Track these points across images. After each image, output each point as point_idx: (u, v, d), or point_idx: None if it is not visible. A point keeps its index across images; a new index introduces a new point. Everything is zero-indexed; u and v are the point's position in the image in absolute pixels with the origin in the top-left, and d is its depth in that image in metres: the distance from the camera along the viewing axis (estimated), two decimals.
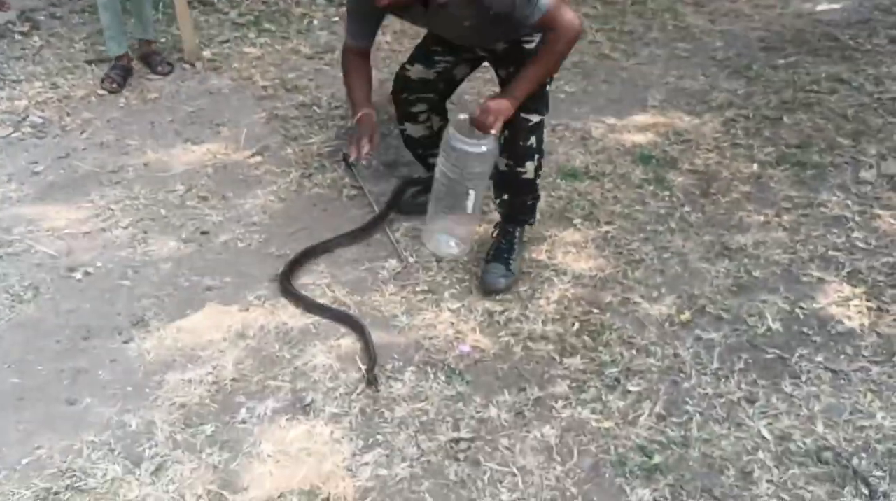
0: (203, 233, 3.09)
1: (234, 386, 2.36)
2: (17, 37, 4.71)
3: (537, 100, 2.65)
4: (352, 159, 2.88)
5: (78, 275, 2.83)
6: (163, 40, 4.70)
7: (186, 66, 4.46)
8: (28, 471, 2.09)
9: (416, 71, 2.92)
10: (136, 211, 3.22)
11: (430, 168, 3.05)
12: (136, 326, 2.60)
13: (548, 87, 2.71)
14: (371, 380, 2.34)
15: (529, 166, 2.70)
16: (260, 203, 3.28)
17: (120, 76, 4.21)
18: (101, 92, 4.13)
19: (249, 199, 3.31)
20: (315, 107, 4.06)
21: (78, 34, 4.77)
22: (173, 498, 2.01)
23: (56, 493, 2.02)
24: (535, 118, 2.64)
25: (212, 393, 2.34)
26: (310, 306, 2.67)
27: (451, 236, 2.79)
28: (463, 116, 2.56)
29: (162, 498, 2.01)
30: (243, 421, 2.24)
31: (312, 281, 2.80)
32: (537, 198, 2.85)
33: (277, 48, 4.74)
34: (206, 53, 4.59)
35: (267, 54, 4.65)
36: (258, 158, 3.61)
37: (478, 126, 2.51)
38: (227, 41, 4.79)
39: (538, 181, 2.78)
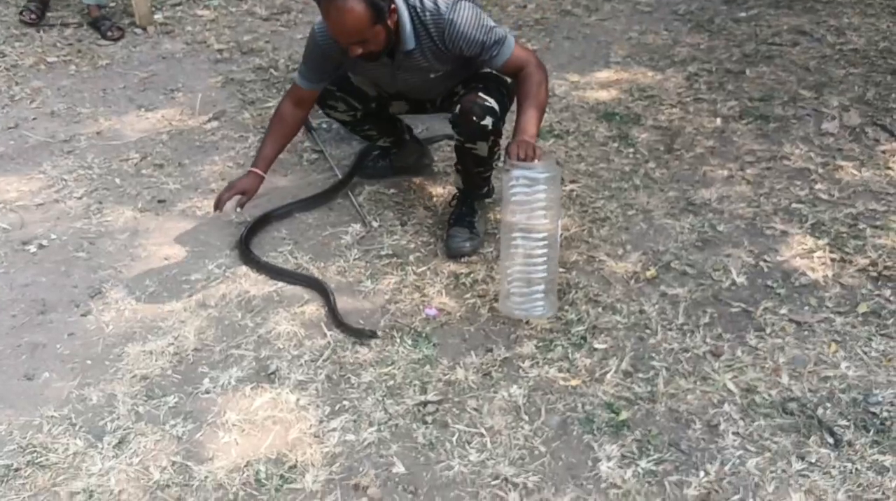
0: (160, 201, 3.03)
1: (197, 356, 2.33)
2: None
3: (502, 89, 2.61)
4: (214, 209, 2.72)
5: (32, 248, 2.77)
6: (112, 4, 4.58)
7: (138, 30, 4.35)
8: None
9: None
10: (90, 181, 3.14)
11: (367, 139, 3.02)
12: (94, 298, 2.55)
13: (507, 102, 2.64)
14: (370, 333, 2.34)
15: (482, 145, 2.59)
16: (218, 169, 3.22)
17: (38, 9, 4.23)
18: (51, 59, 4.01)
19: (207, 166, 3.25)
20: (272, 70, 3.99)
21: None
22: (137, 471, 1.98)
23: (17, 470, 1.98)
24: (492, 102, 2.53)
25: (174, 363, 2.30)
26: (272, 271, 2.64)
27: (536, 300, 2.42)
28: (505, 165, 2.36)
29: (126, 472, 1.98)
30: (207, 392, 2.21)
31: (274, 247, 2.77)
32: (493, 170, 2.78)
33: (232, 10, 4.64)
34: (158, 17, 4.49)
35: (221, 16, 4.55)
36: (215, 124, 3.54)
37: (525, 159, 2.31)
38: (179, 3, 4.68)
39: (494, 158, 2.69)
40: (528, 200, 2.30)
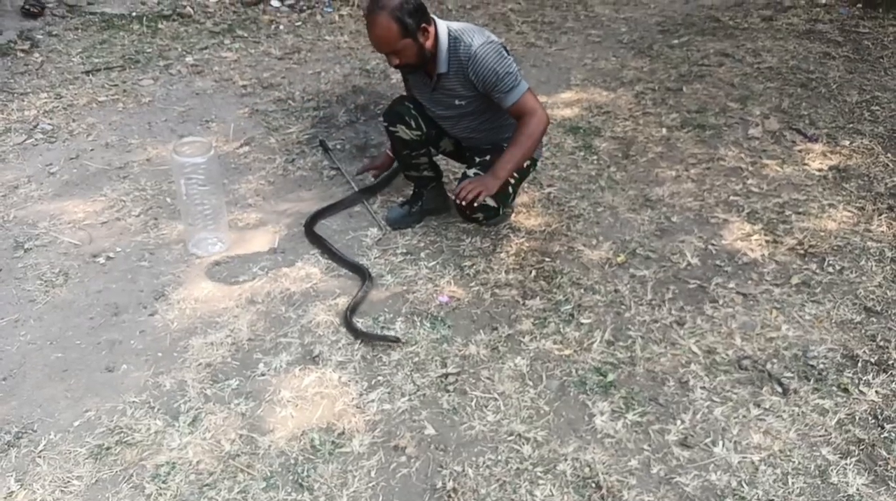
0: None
1: (251, 345, 2.31)
2: (20, 54, 4.44)
3: (510, 179, 2.51)
4: (358, 172, 3.08)
5: (101, 260, 2.72)
6: None
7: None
8: (80, 432, 2.02)
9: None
10: (145, 201, 3.10)
11: (416, 168, 2.75)
12: (159, 300, 2.52)
13: (511, 188, 2.56)
14: (394, 339, 2.26)
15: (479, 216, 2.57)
16: (252, 187, 3.19)
17: (37, 1, 4.69)
18: (101, 99, 3.94)
19: (243, 184, 3.21)
20: (290, 101, 3.94)
21: (74, 49, 4.53)
22: (211, 444, 1.97)
23: (108, 448, 1.96)
24: (491, 201, 2.45)
25: (232, 352, 2.28)
26: (331, 253, 2.68)
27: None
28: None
29: (201, 445, 1.97)
30: (262, 374, 2.20)
31: (307, 249, 2.75)
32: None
33: (251, 51, 4.58)
34: (189, 59, 4.42)
35: (242, 57, 4.49)
36: (246, 148, 3.50)
37: (465, 202, 2.37)
38: (205, 48, 4.61)
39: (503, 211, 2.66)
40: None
